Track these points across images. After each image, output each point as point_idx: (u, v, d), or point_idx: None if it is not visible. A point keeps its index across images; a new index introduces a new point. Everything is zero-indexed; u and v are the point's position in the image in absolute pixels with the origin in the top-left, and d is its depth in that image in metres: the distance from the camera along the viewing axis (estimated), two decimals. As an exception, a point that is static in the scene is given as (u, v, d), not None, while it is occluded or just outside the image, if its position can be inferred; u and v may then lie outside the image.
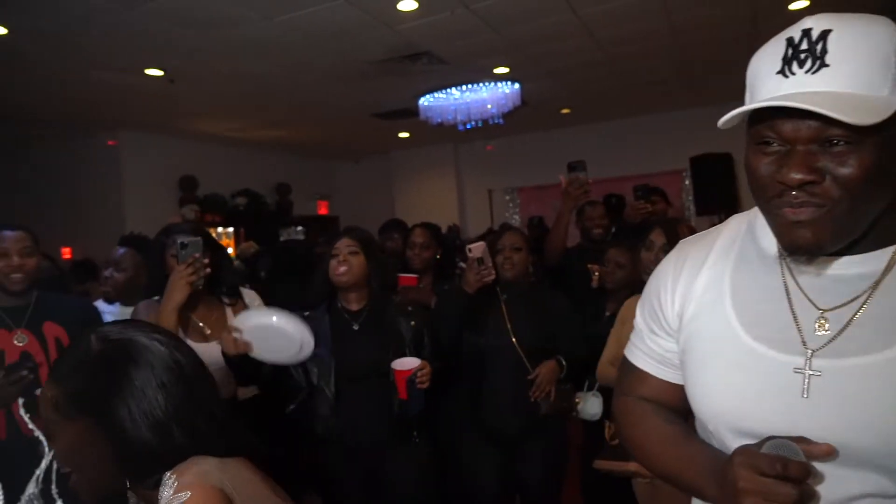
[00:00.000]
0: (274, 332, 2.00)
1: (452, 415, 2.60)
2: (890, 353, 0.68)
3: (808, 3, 4.20)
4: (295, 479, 2.78)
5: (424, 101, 5.98)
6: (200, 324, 2.22)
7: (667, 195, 4.21)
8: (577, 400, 2.41)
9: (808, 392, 0.72)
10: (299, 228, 8.00)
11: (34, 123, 6.09)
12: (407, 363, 2.09)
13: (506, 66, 5.26)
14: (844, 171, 0.67)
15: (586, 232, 3.43)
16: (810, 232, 0.70)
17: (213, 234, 6.94)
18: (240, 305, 2.43)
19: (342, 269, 2.19)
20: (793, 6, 4.23)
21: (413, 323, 2.24)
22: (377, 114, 6.70)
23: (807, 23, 0.70)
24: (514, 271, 2.38)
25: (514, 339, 2.33)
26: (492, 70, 5.37)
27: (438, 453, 2.57)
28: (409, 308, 2.30)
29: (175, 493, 0.89)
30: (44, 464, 0.44)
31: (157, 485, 0.92)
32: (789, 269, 0.78)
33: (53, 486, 0.44)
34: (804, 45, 0.68)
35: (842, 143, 0.67)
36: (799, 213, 0.70)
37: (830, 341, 0.72)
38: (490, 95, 5.78)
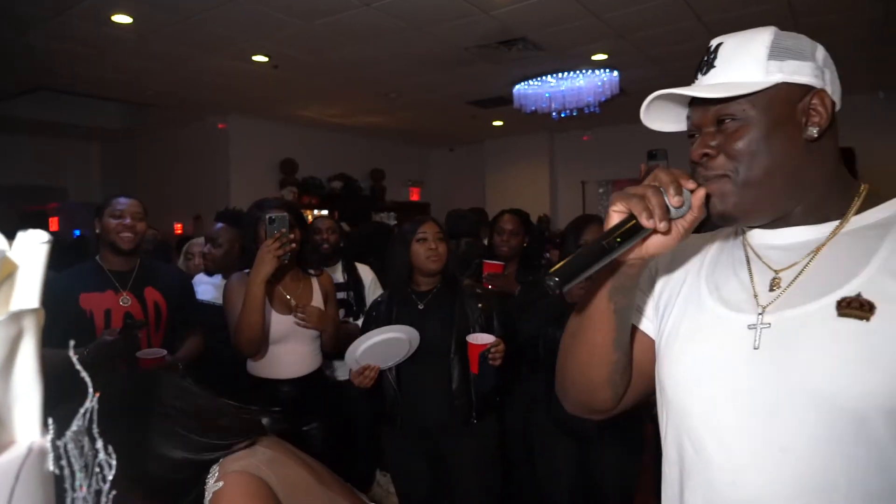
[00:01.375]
0: (382, 345, 2.11)
1: (528, 402, 2.57)
2: (824, 300, 0.76)
3: None
4: (363, 458, 2.87)
5: (519, 88, 5.90)
6: (287, 296, 2.31)
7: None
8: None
9: (758, 343, 0.79)
10: (391, 213, 8.20)
11: (154, 107, 6.60)
12: (481, 338, 2.08)
13: (604, 52, 5.08)
14: (733, 144, 0.80)
15: None
16: (719, 201, 0.82)
17: (310, 216, 7.29)
18: (325, 277, 2.50)
19: (433, 257, 2.22)
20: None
21: (480, 306, 2.22)
22: (472, 101, 6.70)
23: (713, 42, 0.86)
24: None
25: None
26: (589, 57, 5.20)
27: (508, 439, 2.54)
28: (479, 291, 2.27)
29: (215, 481, 0.98)
30: (88, 403, 0.47)
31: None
32: (748, 240, 0.90)
33: (95, 426, 0.47)
34: (705, 58, 0.86)
35: (729, 120, 0.80)
36: (709, 186, 0.82)
37: (778, 297, 0.81)
38: (587, 83, 5.61)
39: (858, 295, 0.74)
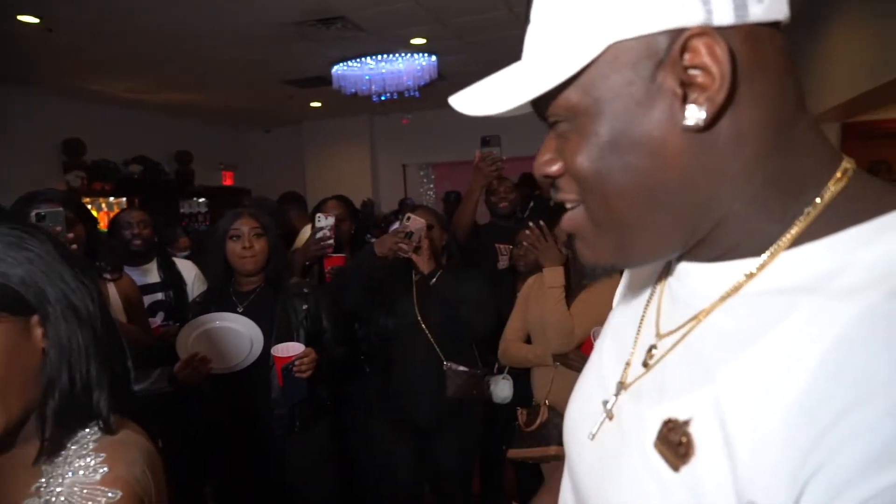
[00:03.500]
0: (220, 334, 1.93)
1: (361, 401, 2.49)
2: (657, 410, 0.49)
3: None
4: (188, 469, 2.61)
5: (338, 69, 5.72)
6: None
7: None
8: (488, 384, 2.36)
9: (595, 432, 0.57)
10: (202, 200, 7.54)
11: None
12: (286, 349, 1.95)
13: (423, 36, 5.10)
14: (572, 161, 0.49)
15: (493, 207, 3.30)
16: (580, 244, 0.54)
17: (104, 204, 6.42)
18: (125, 280, 2.21)
19: (247, 255, 2.03)
20: None
21: (306, 307, 2.09)
22: (288, 80, 6.37)
23: None
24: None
25: (422, 323, 2.23)
26: (409, 41, 5.19)
27: (346, 441, 2.46)
28: (306, 290, 2.15)
29: (104, 482, 0.76)
30: None
31: (63, 438, 0.80)
32: (671, 268, 0.57)
33: None
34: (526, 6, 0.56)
35: (561, 122, 0.51)
36: (564, 221, 0.54)
37: (640, 378, 0.54)
38: (406, 67, 5.61)
39: (685, 423, 0.45)
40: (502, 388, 2.38)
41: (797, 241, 0.45)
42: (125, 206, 6.24)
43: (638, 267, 0.60)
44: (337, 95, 6.16)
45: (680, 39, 0.43)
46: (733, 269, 0.48)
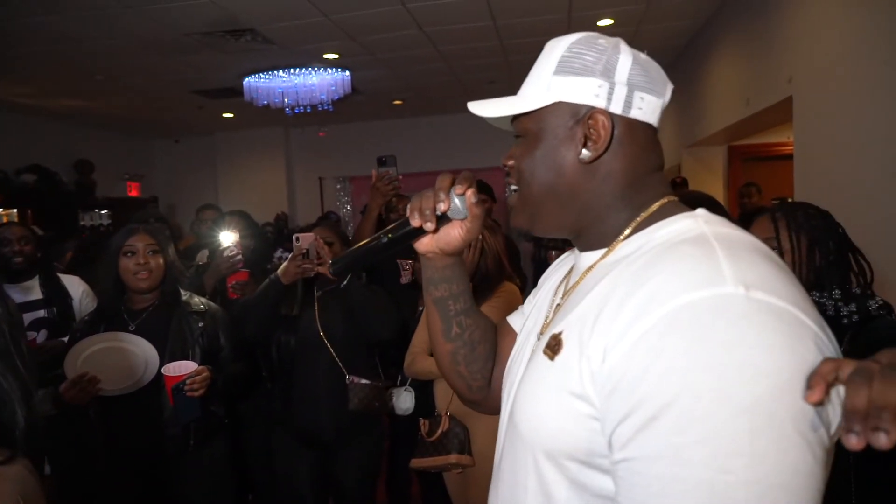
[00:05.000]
0: (110, 354, 1.90)
1: (264, 415, 2.48)
2: (548, 333, 0.76)
3: (611, 21, 4.61)
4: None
5: (249, 81, 5.64)
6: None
7: (493, 191, 4.35)
8: (390, 396, 2.41)
9: (523, 371, 0.81)
10: (104, 212, 7.18)
11: None
12: (177, 368, 1.93)
13: (336, 52, 5.13)
14: (519, 160, 0.82)
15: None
16: (511, 213, 0.85)
17: (-8, 216, 5.98)
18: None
19: (143, 274, 1.98)
20: (600, 23, 4.63)
21: (202, 324, 2.07)
22: (197, 90, 6.20)
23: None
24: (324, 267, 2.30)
25: (324, 338, 2.26)
26: (322, 55, 5.20)
27: (245, 457, 2.43)
28: (202, 307, 2.12)
29: None
30: None
31: None
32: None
33: None
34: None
35: (521, 135, 0.82)
36: (509, 198, 0.86)
37: (548, 322, 0.83)
38: (319, 81, 5.61)
39: (559, 333, 0.73)
40: (404, 400, 2.43)
41: (630, 235, 0.76)
42: (16, 218, 5.86)
43: (542, 235, 0.90)
44: (250, 107, 6.07)
45: (588, 113, 0.76)
46: (598, 253, 0.79)
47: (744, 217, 4.15)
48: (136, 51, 4.80)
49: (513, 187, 0.84)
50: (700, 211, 0.74)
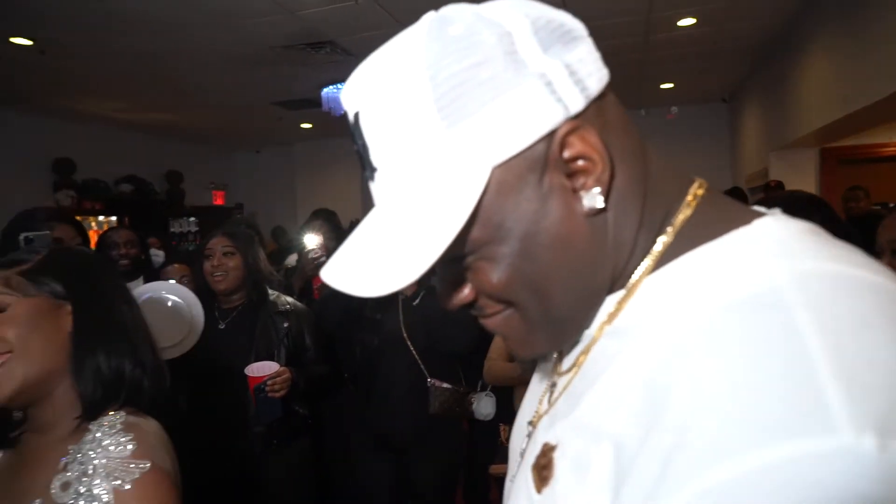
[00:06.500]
0: (156, 306, 1.87)
1: (344, 417, 2.52)
2: (539, 437, 0.54)
3: (694, 21, 4.45)
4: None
5: (327, 91, 5.81)
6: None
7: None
8: (471, 401, 2.40)
9: (514, 476, 0.60)
10: (191, 219, 7.57)
11: None
12: (260, 368, 1.97)
13: (412, 61, 5.19)
14: (483, 282, 0.52)
15: None
16: (513, 343, 0.58)
17: (94, 223, 6.43)
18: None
19: (218, 276, 2.06)
20: (681, 22, 4.47)
21: (287, 325, 2.12)
22: (277, 102, 6.44)
23: (347, 108, 0.50)
24: None
25: (407, 340, 2.27)
26: (398, 64, 5.28)
27: (325, 458, 2.47)
28: (288, 308, 2.18)
29: (134, 456, 0.89)
30: None
31: (91, 416, 0.94)
32: None
33: None
34: (356, 141, 0.49)
35: (469, 255, 0.52)
36: (491, 325, 0.60)
37: (545, 414, 0.57)
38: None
39: (553, 448, 0.49)
40: (485, 405, 2.41)
41: (656, 268, 0.48)
42: (115, 225, 6.26)
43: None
44: (327, 117, 6.24)
45: (556, 141, 0.44)
46: (609, 302, 0.50)
47: (851, 224, 3.87)
48: (220, 66, 5.04)
49: (491, 311, 0.51)
50: (767, 221, 0.45)
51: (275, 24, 4.16)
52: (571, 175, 0.46)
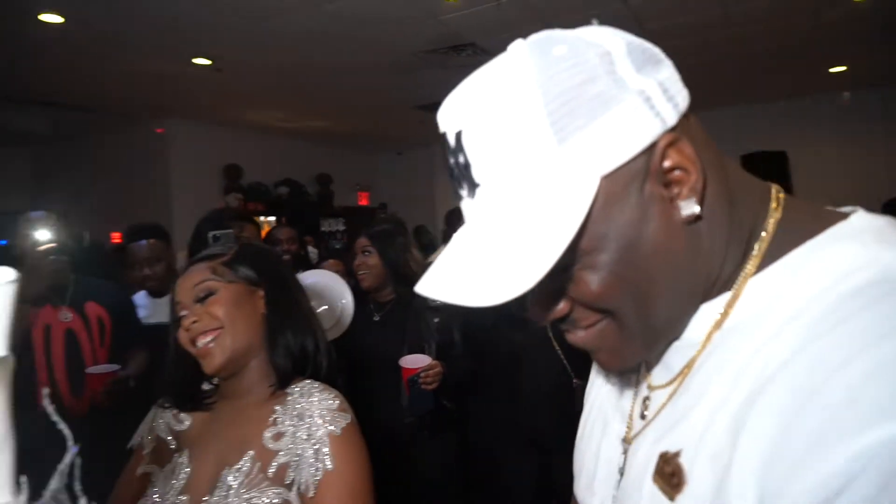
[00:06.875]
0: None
1: (487, 413, 2.55)
2: (654, 447, 0.54)
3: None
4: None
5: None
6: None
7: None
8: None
9: (624, 469, 0.60)
10: (339, 219, 8.08)
11: (90, 110, 6.28)
12: (413, 361, 2.04)
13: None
14: (582, 291, 0.55)
15: None
16: (604, 354, 0.60)
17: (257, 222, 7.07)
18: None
19: (361, 273, 2.19)
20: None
21: (437, 320, 2.19)
22: (419, 106, 6.67)
23: (444, 128, 0.53)
24: None
25: (552, 338, 2.25)
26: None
27: (470, 451, 2.52)
28: (438, 303, 2.24)
29: (339, 409, 1.06)
30: (67, 458, 0.43)
31: (284, 385, 1.11)
32: None
33: (77, 483, 0.43)
34: (451, 160, 0.52)
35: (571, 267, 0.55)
36: (583, 339, 0.62)
37: (642, 430, 0.58)
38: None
39: (677, 455, 0.50)
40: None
41: (758, 270, 0.51)
42: (275, 224, 6.86)
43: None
44: (466, 118, 6.37)
45: (657, 152, 0.48)
46: (711, 308, 0.53)
47: None
48: (367, 73, 5.32)
49: (586, 323, 0.54)
50: (853, 220, 0.49)
51: (418, 30, 4.32)
52: (668, 185, 0.49)
